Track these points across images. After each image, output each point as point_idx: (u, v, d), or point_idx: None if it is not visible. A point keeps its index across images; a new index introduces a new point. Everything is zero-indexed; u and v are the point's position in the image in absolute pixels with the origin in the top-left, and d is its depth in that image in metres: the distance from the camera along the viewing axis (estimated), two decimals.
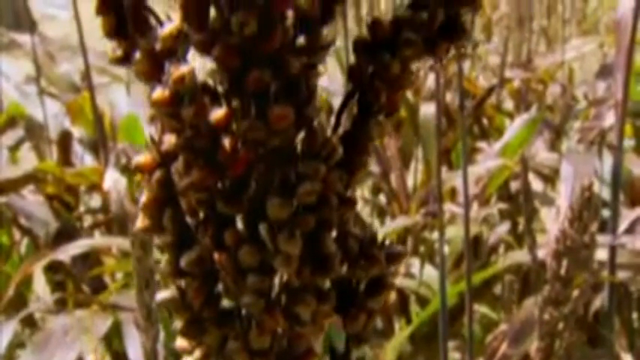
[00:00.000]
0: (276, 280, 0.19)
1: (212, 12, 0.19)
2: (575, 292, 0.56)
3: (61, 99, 1.51)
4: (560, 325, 0.55)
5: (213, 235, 0.19)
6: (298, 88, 0.18)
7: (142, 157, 0.19)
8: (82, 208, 1.42)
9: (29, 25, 1.58)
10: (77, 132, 1.48)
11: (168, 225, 0.19)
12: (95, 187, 1.36)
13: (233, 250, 0.18)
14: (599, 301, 1.09)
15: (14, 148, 1.54)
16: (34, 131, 1.47)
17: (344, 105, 0.19)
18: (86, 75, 1.30)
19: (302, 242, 0.18)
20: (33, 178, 1.27)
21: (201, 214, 0.19)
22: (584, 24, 2.27)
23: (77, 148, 1.52)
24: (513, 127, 1.34)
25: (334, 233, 0.19)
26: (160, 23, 0.18)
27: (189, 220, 0.20)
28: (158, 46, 0.17)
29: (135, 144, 1.32)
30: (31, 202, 1.34)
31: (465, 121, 1.59)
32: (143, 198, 0.19)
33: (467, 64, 1.77)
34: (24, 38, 1.68)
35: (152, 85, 0.17)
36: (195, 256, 0.19)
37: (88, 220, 1.44)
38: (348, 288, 0.19)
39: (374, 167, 1.59)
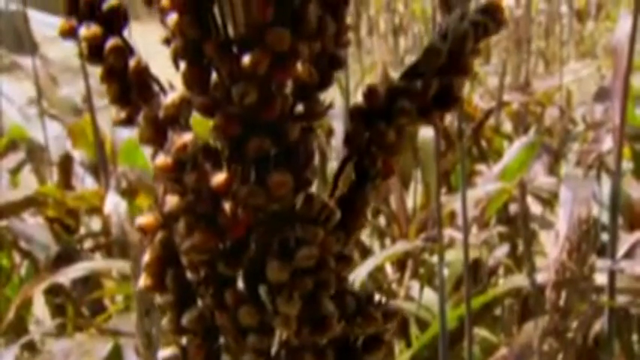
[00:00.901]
0: (276, 339, 0.19)
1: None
2: (575, 323, 0.56)
3: (63, 121, 1.51)
4: (560, 356, 0.55)
5: (214, 294, 0.19)
6: (297, 153, 0.18)
7: (145, 219, 0.19)
8: (82, 231, 1.43)
9: (31, 46, 1.59)
10: (78, 155, 1.49)
11: (170, 284, 0.19)
12: (96, 209, 1.36)
13: (233, 310, 0.19)
14: (599, 325, 1.09)
15: (15, 171, 1.55)
16: (35, 154, 1.48)
17: (341, 169, 0.19)
18: (87, 98, 1.31)
19: (300, 303, 0.18)
20: (34, 201, 1.27)
21: (203, 273, 0.20)
22: (581, 46, 2.28)
23: (78, 170, 1.52)
24: (512, 151, 1.34)
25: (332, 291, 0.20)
26: (163, 91, 0.18)
27: (190, 276, 0.20)
28: (161, 114, 0.18)
29: (135, 167, 1.32)
30: (32, 225, 1.34)
31: (463, 144, 1.59)
32: (146, 257, 0.20)
33: (465, 87, 1.78)
34: (26, 61, 1.69)
35: (155, 151, 0.18)
36: (196, 315, 0.19)
37: (88, 243, 1.44)
38: (346, 345, 0.20)
39: None
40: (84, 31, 0.18)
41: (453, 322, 1.18)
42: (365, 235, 1.65)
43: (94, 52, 0.18)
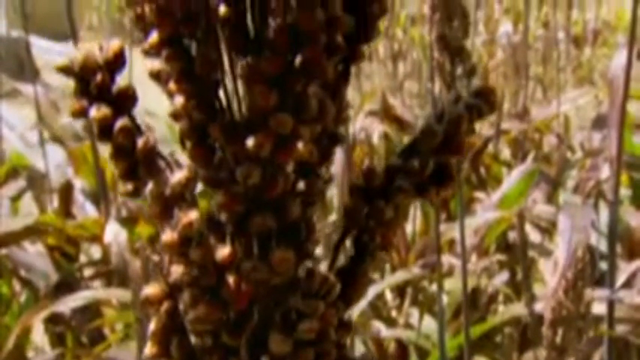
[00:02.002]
0: None
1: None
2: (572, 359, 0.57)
3: (64, 149, 1.52)
4: None
5: None
6: (298, 228, 0.19)
7: (151, 289, 0.20)
8: (82, 259, 1.43)
9: (32, 73, 1.61)
10: (79, 182, 1.49)
11: (175, 353, 0.20)
12: (96, 238, 1.36)
13: None
14: (599, 355, 1.09)
15: (16, 198, 1.55)
16: (36, 182, 1.48)
17: (340, 241, 0.20)
18: (88, 126, 1.31)
19: None
20: (34, 230, 1.28)
21: (207, 342, 0.20)
22: (579, 71, 2.30)
23: (79, 197, 1.53)
24: (511, 179, 1.35)
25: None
26: (170, 167, 0.19)
27: (195, 343, 0.21)
28: (168, 191, 0.19)
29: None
30: (32, 253, 1.35)
31: (462, 171, 1.61)
32: (151, 327, 0.20)
33: None
34: (27, 88, 1.70)
35: (162, 227, 0.19)
36: None
37: (88, 271, 1.44)
38: None
39: None
40: (94, 112, 0.19)
41: (453, 350, 1.19)
42: None
43: (103, 131, 0.19)
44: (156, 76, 0.20)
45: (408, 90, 2.69)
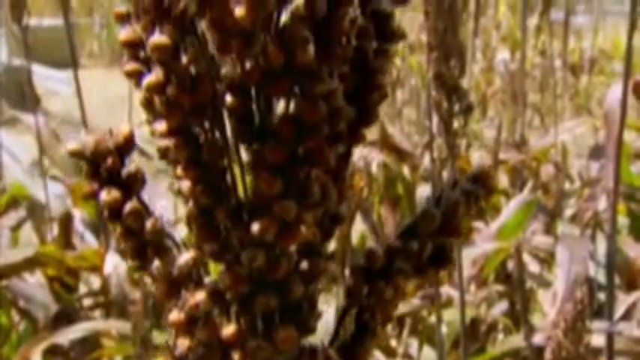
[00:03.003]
0: None
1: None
2: None
3: (65, 181, 1.53)
4: None
5: None
6: (301, 306, 0.19)
7: None
8: (82, 289, 1.43)
9: (33, 103, 1.62)
10: (79, 213, 1.50)
11: None
12: (96, 268, 1.37)
13: None
14: None
15: (15, 228, 1.56)
16: (36, 212, 1.49)
17: (341, 319, 0.20)
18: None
19: None
20: (34, 261, 1.28)
21: None
22: (576, 99, 2.32)
23: (78, 227, 1.53)
24: (509, 209, 1.36)
25: None
26: (178, 247, 0.20)
27: None
28: (175, 272, 0.19)
29: None
30: (31, 284, 1.35)
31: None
32: None
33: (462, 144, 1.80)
34: (28, 118, 1.71)
35: (169, 307, 0.19)
36: None
37: (88, 301, 1.44)
38: None
39: (372, 245, 1.60)
40: (105, 195, 0.19)
41: None
42: None
43: (113, 214, 0.19)
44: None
45: (406, 117, 2.71)
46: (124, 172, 0.20)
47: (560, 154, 1.66)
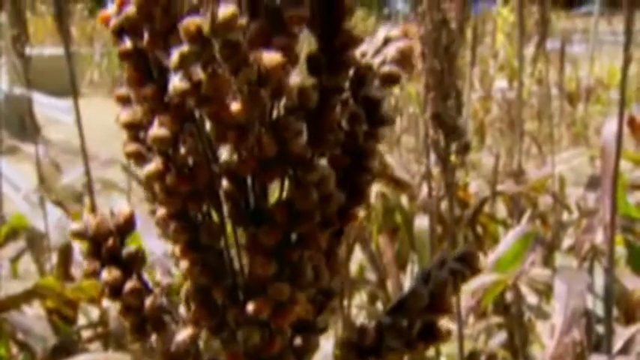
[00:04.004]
0: None
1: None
2: None
3: (65, 209, 1.53)
4: None
5: None
6: None
7: None
8: (81, 320, 1.43)
9: (33, 131, 1.63)
10: (78, 242, 1.50)
11: None
12: (94, 300, 1.37)
13: None
14: None
15: (15, 259, 1.56)
16: (36, 243, 1.49)
17: None
18: (87, 183, 1.33)
19: None
20: (33, 294, 1.28)
21: None
22: (573, 127, 2.33)
23: (78, 257, 1.53)
24: (507, 241, 1.36)
25: None
26: (176, 322, 0.20)
27: None
28: (173, 348, 0.20)
29: None
30: (29, 316, 1.35)
31: (458, 231, 1.61)
32: None
33: (461, 174, 1.81)
34: (29, 148, 1.72)
35: None
36: None
37: (86, 332, 1.44)
38: None
39: (370, 275, 1.61)
40: (106, 274, 0.20)
41: None
42: (362, 319, 1.65)
43: (113, 292, 0.20)
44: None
45: (405, 144, 2.72)
46: (125, 251, 0.20)
47: (558, 186, 1.67)
